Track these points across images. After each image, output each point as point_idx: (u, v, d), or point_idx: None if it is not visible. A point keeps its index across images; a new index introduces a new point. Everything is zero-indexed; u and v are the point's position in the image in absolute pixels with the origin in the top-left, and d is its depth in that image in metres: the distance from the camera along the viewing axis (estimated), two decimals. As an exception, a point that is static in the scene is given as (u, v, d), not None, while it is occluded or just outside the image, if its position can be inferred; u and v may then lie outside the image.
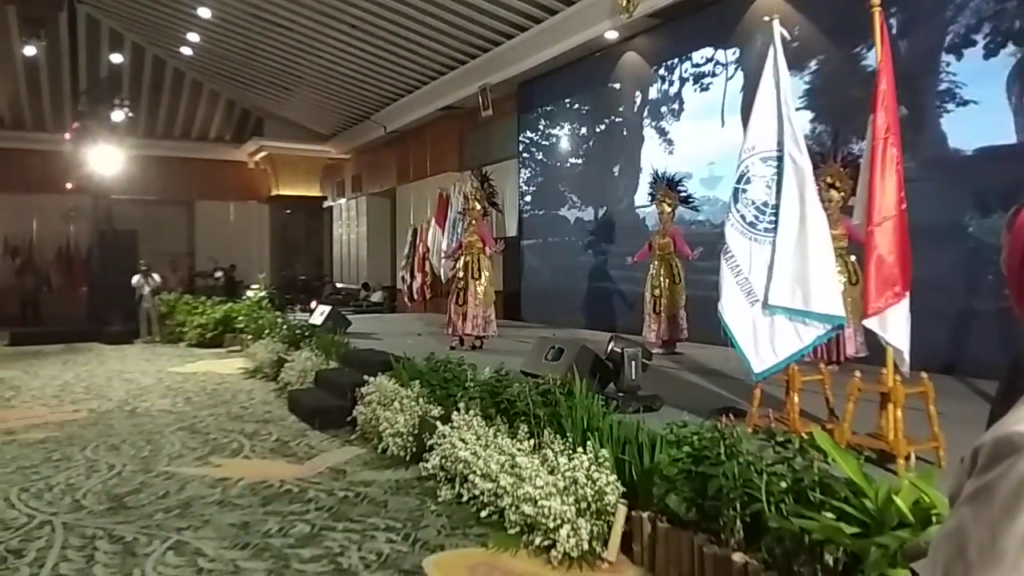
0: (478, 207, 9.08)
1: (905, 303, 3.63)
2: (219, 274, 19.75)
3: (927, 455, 3.68)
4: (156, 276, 14.63)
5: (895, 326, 3.61)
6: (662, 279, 8.12)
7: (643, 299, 8.35)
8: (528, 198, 13.34)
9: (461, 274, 8.87)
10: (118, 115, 14.83)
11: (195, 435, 6.28)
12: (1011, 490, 0.77)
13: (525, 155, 13.41)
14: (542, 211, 13.02)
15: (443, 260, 11.66)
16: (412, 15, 12.22)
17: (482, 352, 8.36)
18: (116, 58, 17.14)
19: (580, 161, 12.05)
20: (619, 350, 5.22)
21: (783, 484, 2.92)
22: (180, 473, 5.11)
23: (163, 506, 4.41)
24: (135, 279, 14.31)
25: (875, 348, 5.47)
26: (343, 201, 21.51)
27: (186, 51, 16.90)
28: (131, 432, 6.41)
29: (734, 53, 9.02)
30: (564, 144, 12.43)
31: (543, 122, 13.01)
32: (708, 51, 9.43)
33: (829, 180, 6.19)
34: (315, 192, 22.67)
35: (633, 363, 5.10)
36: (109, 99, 14.90)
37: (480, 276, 8.80)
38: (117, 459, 5.50)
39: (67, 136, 15.37)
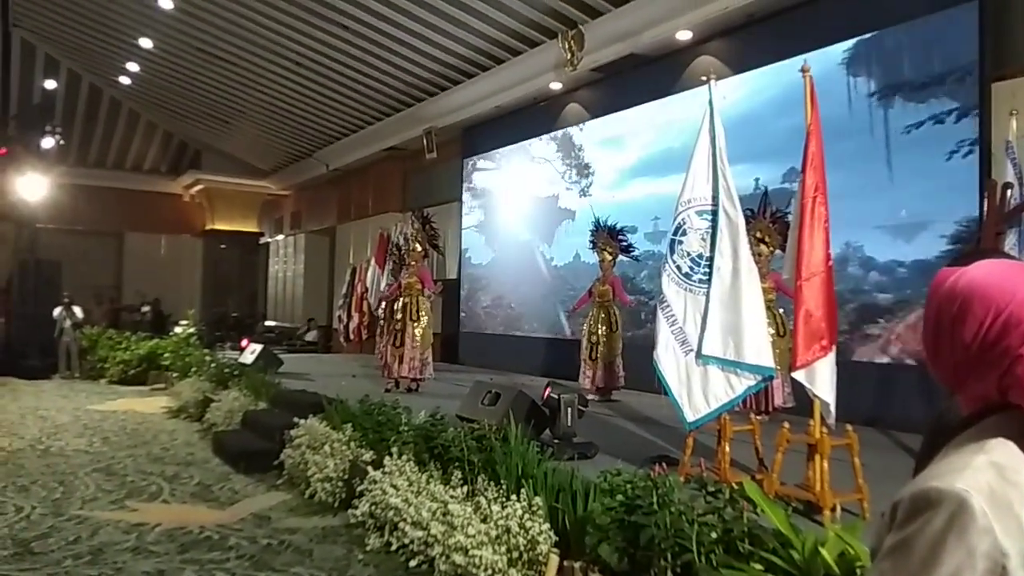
0: (419, 248, 9.04)
1: (832, 356, 3.74)
2: (146, 308, 19.10)
3: (852, 506, 3.76)
4: (78, 309, 14.06)
5: (822, 379, 3.70)
6: (600, 326, 8.18)
7: (580, 346, 8.40)
8: (469, 241, 13.38)
9: (399, 316, 8.77)
10: (48, 142, 14.38)
11: (111, 477, 5.99)
12: (928, 545, 0.80)
13: (468, 198, 13.49)
14: (483, 255, 13.07)
15: (377, 300, 11.54)
16: (358, 56, 12.28)
17: (418, 395, 8.24)
18: (50, 84, 16.69)
19: (523, 207, 12.17)
20: (555, 396, 5.21)
21: (713, 534, 2.94)
22: (93, 517, 4.85)
23: (73, 552, 4.17)
24: (56, 311, 13.75)
25: (802, 399, 5.62)
26: (281, 238, 21.18)
27: (125, 80, 16.57)
28: (43, 472, 6.08)
29: (674, 109, 9.30)
30: (507, 189, 12.55)
31: (487, 167, 13.14)
32: (650, 106, 9.71)
33: (759, 235, 6.41)
34: (252, 228, 22.28)
35: (569, 410, 5.10)
36: (40, 125, 14.45)
37: (419, 318, 8.71)
38: (26, 501, 5.19)
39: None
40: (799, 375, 3.71)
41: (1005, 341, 0.87)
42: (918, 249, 6.59)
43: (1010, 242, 5.35)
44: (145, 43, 13.87)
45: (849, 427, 3.78)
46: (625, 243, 8.50)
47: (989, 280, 0.90)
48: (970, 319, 0.89)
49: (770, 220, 6.53)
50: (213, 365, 10.19)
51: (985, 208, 5.66)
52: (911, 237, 6.67)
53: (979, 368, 0.90)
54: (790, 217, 6.33)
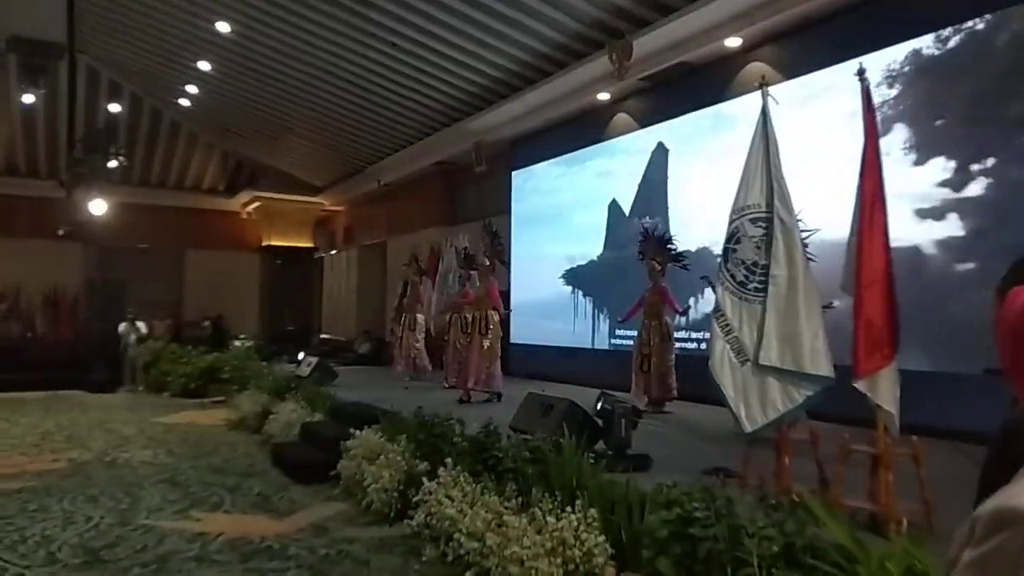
0: (487, 263, 9.09)
1: (894, 365, 3.64)
2: (207, 323, 19.63)
3: (917, 519, 3.64)
4: (142, 324, 14.53)
5: (884, 388, 3.61)
6: (651, 336, 8.10)
7: (632, 357, 8.33)
8: (518, 252, 13.41)
9: (469, 329, 8.86)
10: (112, 163, 14.93)
11: (175, 488, 6.16)
12: (1006, 563, 0.78)
13: (517, 210, 13.53)
14: (532, 266, 13.08)
15: (440, 311, 11.63)
16: (406, 72, 12.46)
17: (469, 406, 8.28)
18: (114, 107, 17.32)
19: (573, 218, 12.16)
20: (608, 407, 5.18)
21: (774, 548, 2.88)
22: (158, 527, 5.00)
23: (140, 560, 4.30)
24: (121, 327, 14.22)
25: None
26: (334, 252, 21.56)
27: (184, 103, 17.12)
28: (110, 483, 6.29)
29: (724, 116, 9.20)
30: (557, 201, 12.55)
31: (536, 178, 13.17)
32: (699, 114, 9.62)
33: None
34: (307, 243, 22.74)
35: (622, 421, 5.06)
36: (104, 147, 15.03)
37: (487, 332, 8.78)
38: (95, 511, 5.38)
39: (60, 183, 15.43)
40: (860, 385, 3.62)
41: None
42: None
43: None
44: (203, 66, 14.31)
45: (914, 437, 3.67)
46: (674, 252, 8.42)
47: None
48: None
49: None
50: (271, 378, 10.39)
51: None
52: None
53: None
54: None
